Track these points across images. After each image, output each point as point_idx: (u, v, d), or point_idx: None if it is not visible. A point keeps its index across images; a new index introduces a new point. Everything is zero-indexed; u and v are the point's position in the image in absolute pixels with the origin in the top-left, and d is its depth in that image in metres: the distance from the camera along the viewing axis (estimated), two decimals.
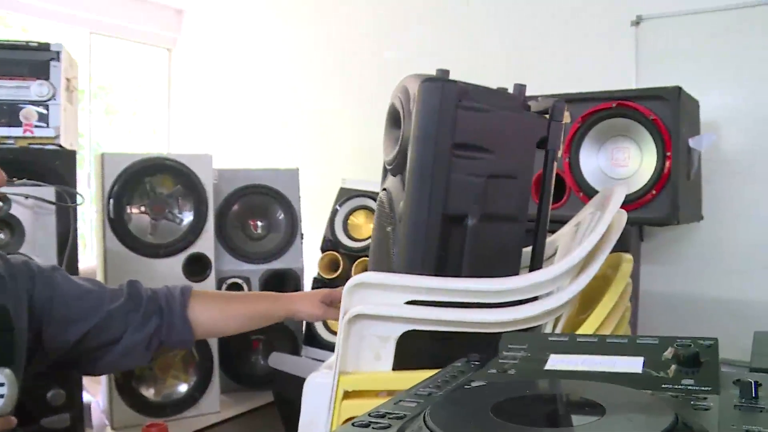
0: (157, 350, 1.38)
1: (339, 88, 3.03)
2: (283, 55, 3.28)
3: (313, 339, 2.19)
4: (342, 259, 2.16)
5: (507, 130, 1.12)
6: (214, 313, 1.42)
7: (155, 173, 2.04)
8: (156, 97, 3.93)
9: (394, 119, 1.19)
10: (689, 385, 0.58)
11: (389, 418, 0.54)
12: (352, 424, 0.54)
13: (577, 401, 0.55)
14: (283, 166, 2.28)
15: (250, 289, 2.22)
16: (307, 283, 2.26)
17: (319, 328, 2.18)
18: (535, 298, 1.03)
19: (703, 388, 0.57)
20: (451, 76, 1.09)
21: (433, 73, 1.10)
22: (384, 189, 1.24)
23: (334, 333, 2.15)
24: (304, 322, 2.23)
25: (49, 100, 1.88)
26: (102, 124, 3.78)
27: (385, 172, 1.25)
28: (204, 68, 3.67)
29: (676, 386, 0.59)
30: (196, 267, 2.05)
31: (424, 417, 0.49)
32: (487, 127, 1.10)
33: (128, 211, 2.01)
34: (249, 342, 2.24)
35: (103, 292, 1.32)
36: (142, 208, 2.05)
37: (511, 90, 1.18)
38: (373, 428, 0.52)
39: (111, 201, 1.96)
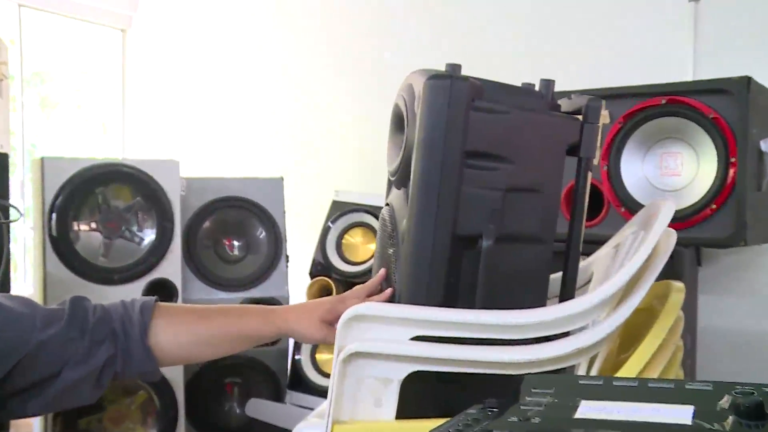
0: (112, 382, 1.32)
1: (333, 79, 3.06)
2: (263, 39, 3.31)
3: (299, 382, 2.23)
4: (335, 287, 2.21)
5: (530, 134, 1.17)
6: (184, 336, 1.34)
7: (109, 182, 2.08)
8: (107, 87, 3.93)
9: (398, 122, 1.23)
10: None
11: None
12: None
13: None
14: (265, 175, 2.32)
15: None
16: None
17: (307, 368, 2.23)
18: (565, 334, 1.07)
19: None
20: (463, 72, 1.13)
21: (442, 68, 1.14)
22: (387, 204, 1.29)
23: (326, 374, 2.19)
24: (290, 361, 2.27)
25: None
26: (37, 120, 3.75)
27: (389, 184, 1.29)
28: (166, 53, 3.69)
29: None
30: (159, 296, 2.08)
31: None
32: (505, 131, 1.14)
33: (75, 228, 2.05)
34: (221, 385, 2.29)
35: (34, 315, 1.23)
36: (93, 225, 2.09)
37: (536, 87, 1.23)
38: None
39: (53, 216, 2.00)
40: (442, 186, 1.11)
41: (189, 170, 2.20)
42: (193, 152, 3.08)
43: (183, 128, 3.50)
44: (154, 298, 1.35)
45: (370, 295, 1.36)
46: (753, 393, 0.66)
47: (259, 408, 2.19)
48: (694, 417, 0.67)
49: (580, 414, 0.72)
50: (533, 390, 0.77)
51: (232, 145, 3.32)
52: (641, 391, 0.75)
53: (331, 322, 1.33)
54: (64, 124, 3.90)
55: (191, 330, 1.35)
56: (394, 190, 1.26)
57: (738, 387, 0.69)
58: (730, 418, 0.65)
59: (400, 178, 1.20)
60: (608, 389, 0.76)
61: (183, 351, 1.36)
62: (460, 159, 1.11)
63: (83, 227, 2.09)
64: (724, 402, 0.67)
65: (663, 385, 0.75)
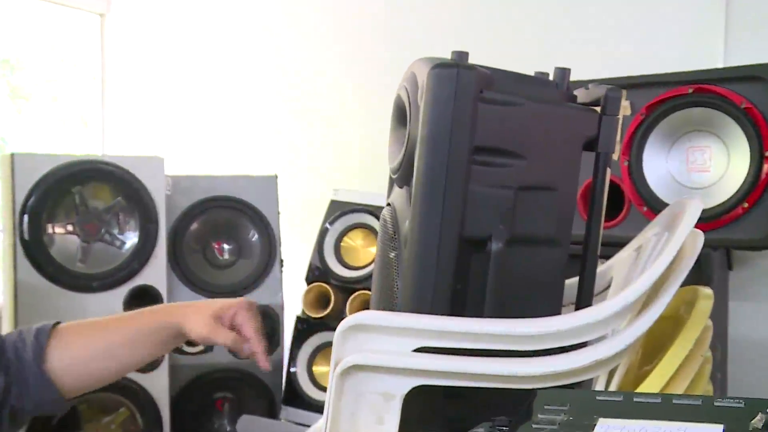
0: (16, 422, 1.26)
1: (331, 70, 3.07)
2: (254, 26, 3.32)
3: (295, 396, 2.25)
4: (333, 293, 2.22)
5: (543, 128, 1.17)
6: (82, 353, 1.28)
7: (87, 181, 2.09)
8: (85, 77, 3.92)
9: (401, 116, 1.24)
10: None
11: None
12: None
13: None
14: (257, 173, 2.32)
15: None
16: (289, 324, 2.31)
17: (303, 381, 2.24)
18: (582, 345, 1.08)
19: None
20: (471, 60, 1.14)
21: (448, 56, 1.15)
22: (388, 204, 1.29)
23: (324, 388, 2.21)
24: (284, 375, 2.28)
25: None
26: (7, 112, 3.74)
27: (391, 182, 1.30)
28: (149, 40, 3.69)
29: None
30: (142, 304, 2.09)
31: None
32: (516, 125, 1.14)
33: (49, 231, 2.06)
34: (211, 401, 2.29)
35: None
36: (69, 228, 2.10)
37: (550, 76, 1.24)
38: None
39: (25, 218, 2.00)
40: (448, 184, 1.12)
41: (175, 168, 2.21)
42: (180, 148, 3.08)
43: (168, 122, 3.50)
44: (53, 322, 1.30)
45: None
46: None
47: (252, 425, 2.19)
48: None
49: None
50: (546, 407, 0.78)
51: (222, 141, 3.33)
52: (665, 408, 0.76)
53: (222, 320, 1.36)
54: (38, 117, 3.88)
55: (88, 344, 1.29)
56: (396, 189, 1.26)
57: None
58: None
59: (402, 176, 1.21)
60: (629, 406, 0.77)
61: (84, 370, 1.28)
62: (467, 155, 1.12)
63: (58, 230, 2.09)
64: (758, 421, 0.68)
65: (689, 402, 0.76)
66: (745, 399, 0.72)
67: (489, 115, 1.12)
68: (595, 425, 0.73)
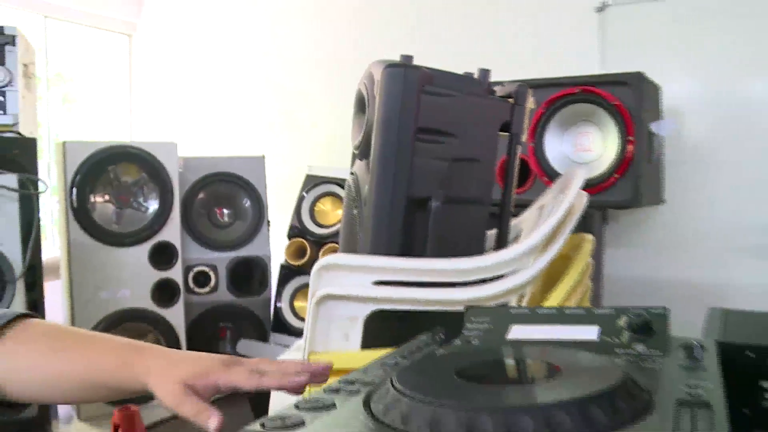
0: None
1: (308, 70, 3.05)
2: (248, 41, 3.29)
3: (281, 325, 2.23)
4: (309, 246, 2.21)
5: (470, 114, 1.17)
6: (23, 367, 0.83)
7: (119, 162, 2.06)
8: (117, 84, 3.90)
9: (361, 105, 1.23)
10: (640, 350, 0.64)
11: (359, 384, 0.59)
12: (324, 390, 0.58)
13: (536, 364, 0.60)
14: (249, 154, 2.31)
15: (216, 278, 2.24)
16: (275, 270, 2.30)
17: (287, 314, 2.23)
18: (500, 277, 1.08)
19: (652, 352, 0.63)
20: (416, 61, 1.13)
21: (398, 58, 1.14)
22: (352, 173, 1.28)
23: (303, 319, 2.20)
24: (272, 309, 2.26)
25: (6, 86, 1.89)
26: (60, 113, 3.74)
27: (353, 156, 1.29)
28: (165, 54, 3.66)
29: (629, 351, 0.64)
30: (162, 256, 2.08)
31: (391, 380, 0.53)
32: (450, 111, 1.14)
33: (92, 200, 2.03)
34: (217, 330, 2.27)
35: None
36: (107, 197, 2.08)
37: (475, 75, 1.23)
38: (343, 393, 0.57)
39: (74, 190, 1.98)
40: (398, 157, 1.11)
41: (185, 150, 2.18)
42: (189, 136, 3.04)
43: (180, 116, 3.46)
44: (20, 312, 0.87)
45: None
46: (643, 314, 0.68)
47: (248, 347, 2.19)
48: (599, 334, 0.69)
49: (511, 336, 0.72)
50: (473, 319, 0.77)
51: (222, 129, 3.29)
52: (560, 316, 0.76)
53: (193, 388, 0.78)
54: (82, 117, 3.87)
55: (36, 363, 0.83)
56: (358, 162, 1.25)
57: (632, 310, 0.70)
58: (626, 334, 0.68)
59: (362, 151, 1.20)
60: (534, 316, 0.77)
61: (22, 388, 0.84)
62: (412, 134, 1.11)
63: (99, 199, 2.06)
64: (622, 322, 0.69)
65: (576, 312, 0.76)
66: (614, 307, 0.74)
67: (429, 104, 1.12)
68: (509, 330, 0.73)
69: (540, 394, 0.52)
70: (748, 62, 2.07)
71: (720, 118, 2.12)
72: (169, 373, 0.80)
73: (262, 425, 0.49)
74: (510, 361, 0.62)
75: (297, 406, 0.53)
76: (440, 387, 0.52)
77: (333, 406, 0.53)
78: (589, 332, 0.70)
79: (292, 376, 0.77)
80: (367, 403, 0.53)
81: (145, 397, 0.81)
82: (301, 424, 0.49)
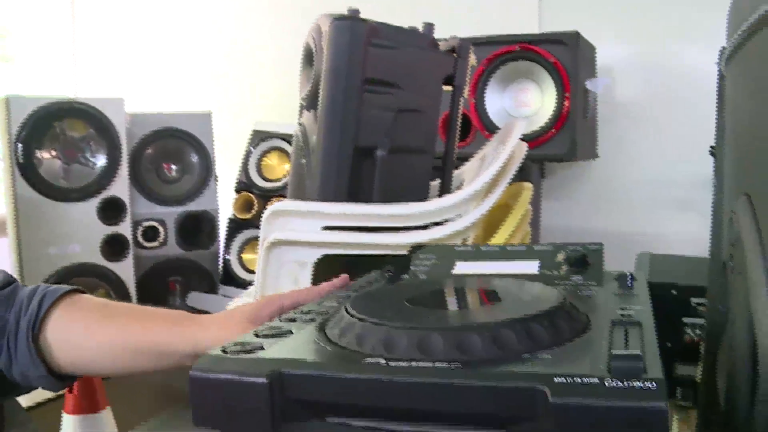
0: (6, 388, 0.87)
1: (255, 30, 3.00)
2: None
3: (230, 278, 2.23)
4: (256, 200, 2.20)
5: (415, 66, 1.18)
6: (79, 338, 0.83)
7: (65, 117, 2.01)
8: (58, 39, 3.77)
9: (309, 57, 1.23)
10: (577, 281, 0.67)
11: (313, 314, 0.61)
12: (279, 320, 0.60)
13: (481, 291, 0.63)
14: (197, 110, 2.28)
15: (165, 232, 2.22)
16: (223, 224, 2.29)
17: (236, 266, 2.23)
18: (443, 223, 1.10)
19: (588, 283, 0.66)
20: (363, 15, 1.13)
21: (345, 12, 1.14)
22: (300, 124, 1.29)
23: (251, 271, 2.20)
24: (221, 261, 2.26)
25: None
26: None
27: (301, 108, 1.29)
28: (109, 8, 3.55)
29: (566, 282, 0.67)
30: (111, 211, 2.05)
31: (345, 308, 0.55)
32: (396, 63, 1.15)
33: (38, 155, 1.99)
34: (166, 283, 2.26)
35: None
36: (53, 153, 2.03)
37: (420, 29, 1.24)
38: (299, 321, 0.59)
39: (19, 146, 1.93)
40: (345, 107, 1.12)
41: (132, 107, 2.14)
42: (136, 91, 2.96)
43: (126, 71, 3.37)
44: (69, 287, 0.87)
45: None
46: (580, 250, 0.71)
47: (198, 299, 2.18)
48: (539, 268, 0.73)
49: (456, 270, 0.74)
50: (421, 256, 0.79)
51: (168, 84, 3.22)
52: (502, 253, 0.79)
53: (261, 318, 0.77)
54: (21, 73, 3.73)
55: (89, 332, 0.83)
56: (305, 113, 1.26)
57: (570, 246, 0.73)
58: (564, 267, 0.71)
59: (310, 101, 1.20)
60: (478, 253, 0.79)
61: (73, 356, 0.83)
62: (359, 85, 1.12)
63: (45, 155, 2.01)
64: (560, 257, 0.72)
65: (518, 248, 0.79)
66: (553, 244, 0.77)
67: (376, 56, 1.13)
68: (455, 266, 0.75)
69: (486, 315, 0.54)
70: (677, 27, 2.11)
71: (650, 79, 2.17)
72: (231, 319, 0.80)
73: (223, 350, 0.50)
74: (457, 290, 0.65)
75: (255, 334, 0.54)
76: (393, 312, 0.54)
77: (290, 332, 0.55)
78: (530, 266, 0.73)
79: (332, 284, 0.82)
80: (322, 329, 0.55)
81: None
82: (260, 348, 0.51)
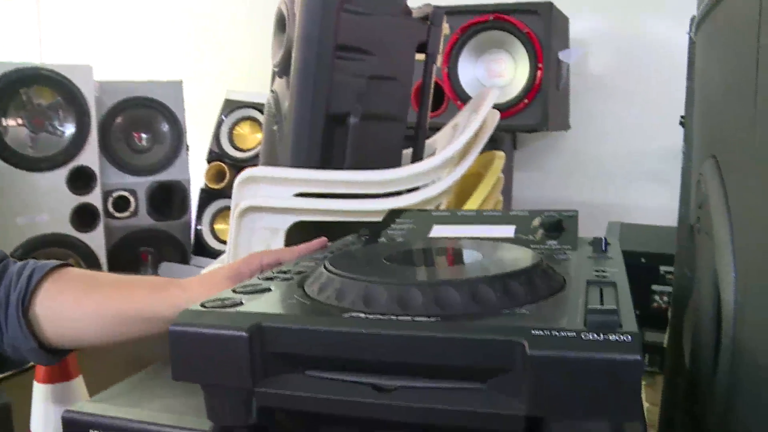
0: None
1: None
2: None
3: (201, 248, 2.22)
4: (228, 170, 2.18)
5: (389, 33, 1.17)
6: (63, 308, 0.83)
7: (31, 84, 1.97)
8: (21, 2, 3.66)
9: (281, 24, 1.21)
10: (553, 245, 0.67)
11: (291, 273, 0.60)
12: (258, 278, 0.60)
13: (459, 251, 0.63)
14: (167, 78, 2.24)
15: (136, 202, 2.20)
16: (195, 193, 2.27)
17: (208, 237, 2.21)
18: (416, 189, 1.10)
19: (564, 247, 0.67)
20: None
21: None
22: (272, 91, 1.27)
23: (223, 241, 2.19)
24: (193, 232, 2.24)
25: None
26: None
27: (273, 75, 1.28)
28: None
29: (542, 246, 0.67)
30: (80, 180, 2.02)
31: (324, 265, 0.54)
32: (369, 30, 1.14)
33: (3, 123, 1.95)
34: (138, 254, 2.24)
35: None
36: (20, 121, 1.99)
37: None
38: (277, 280, 0.58)
39: None
40: (318, 73, 1.11)
41: (101, 74, 2.10)
42: (104, 59, 2.91)
43: (93, 37, 3.30)
44: (58, 262, 0.87)
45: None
46: (555, 215, 0.72)
47: (170, 270, 2.17)
48: (516, 232, 0.73)
49: (433, 234, 0.74)
50: (397, 220, 0.79)
51: (138, 52, 3.17)
52: (479, 217, 0.79)
53: (241, 275, 0.79)
54: None
55: (76, 302, 0.84)
56: (278, 80, 1.24)
57: (545, 212, 0.74)
58: (540, 231, 0.72)
59: (282, 68, 1.18)
60: (454, 218, 0.79)
61: (62, 327, 0.84)
62: (332, 51, 1.11)
63: (11, 123, 1.97)
64: (536, 222, 0.73)
65: (494, 213, 0.79)
66: (529, 210, 0.77)
67: (349, 22, 1.11)
68: (431, 229, 0.75)
69: (465, 272, 0.54)
70: (650, 0, 2.12)
71: (622, 51, 2.17)
72: (212, 279, 0.80)
73: (203, 306, 0.50)
74: (434, 250, 0.64)
75: (234, 290, 0.54)
76: (371, 268, 0.54)
77: (268, 289, 0.55)
78: (506, 231, 0.73)
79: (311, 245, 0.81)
80: (301, 286, 0.55)
81: None
82: (239, 303, 0.50)
